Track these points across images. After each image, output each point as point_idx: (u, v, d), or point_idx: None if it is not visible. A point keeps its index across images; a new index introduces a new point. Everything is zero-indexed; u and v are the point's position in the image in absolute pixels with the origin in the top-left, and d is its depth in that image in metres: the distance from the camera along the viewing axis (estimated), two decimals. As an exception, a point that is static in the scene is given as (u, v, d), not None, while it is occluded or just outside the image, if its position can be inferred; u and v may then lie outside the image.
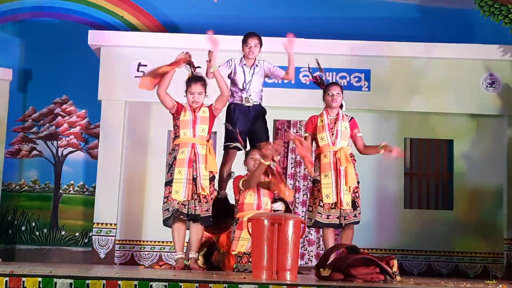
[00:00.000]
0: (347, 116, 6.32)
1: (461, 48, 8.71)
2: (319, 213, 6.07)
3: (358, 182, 6.20)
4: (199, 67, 6.34)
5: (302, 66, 8.72)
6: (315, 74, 6.53)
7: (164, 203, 6.06)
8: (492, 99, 8.72)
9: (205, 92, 6.21)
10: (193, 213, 5.98)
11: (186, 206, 5.97)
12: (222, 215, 6.22)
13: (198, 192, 5.99)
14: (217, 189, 6.42)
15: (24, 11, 9.46)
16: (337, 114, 6.26)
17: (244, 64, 6.58)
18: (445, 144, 9.16)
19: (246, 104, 6.54)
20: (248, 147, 6.46)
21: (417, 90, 8.72)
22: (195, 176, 6.00)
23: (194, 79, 6.22)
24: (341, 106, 6.32)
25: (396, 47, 8.72)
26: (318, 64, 6.55)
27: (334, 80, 8.55)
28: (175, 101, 6.16)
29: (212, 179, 6.14)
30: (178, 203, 5.97)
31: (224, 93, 6.23)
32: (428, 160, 9.17)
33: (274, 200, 6.24)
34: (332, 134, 6.18)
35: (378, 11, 9.43)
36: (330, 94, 6.24)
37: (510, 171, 8.66)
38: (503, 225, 8.63)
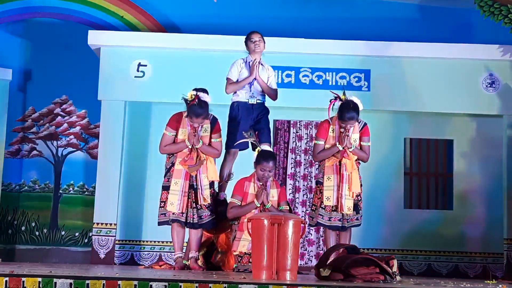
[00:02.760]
0: (359, 123, 6.23)
1: (461, 48, 8.70)
2: (321, 215, 6.08)
3: (361, 185, 6.20)
4: (205, 90, 6.16)
5: (302, 66, 8.75)
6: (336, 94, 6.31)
7: (160, 207, 6.07)
8: (492, 99, 8.71)
9: (208, 118, 6.09)
10: (191, 221, 5.98)
11: (184, 215, 5.98)
12: (221, 216, 6.23)
13: (200, 203, 5.98)
14: (216, 188, 6.42)
15: (24, 11, 9.45)
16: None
17: (250, 61, 6.57)
18: (445, 144, 9.16)
19: (250, 102, 6.53)
20: (259, 147, 6.27)
21: (417, 90, 8.71)
22: (195, 187, 5.99)
23: (195, 113, 5.96)
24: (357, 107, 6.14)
25: (396, 47, 8.71)
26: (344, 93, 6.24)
27: (334, 81, 8.58)
28: (173, 132, 6.09)
29: (211, 184, 6.14)
30: (174, 214, 5.97)
31: (215, 157, 6.24)
32: (428, 160, 9.17)
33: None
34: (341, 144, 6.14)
35: (378, 11, 9.42)
36: (344, 126, 6.07)
37: (510, 171, 8.64)
38: (503, 225, 8.62)
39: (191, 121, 6.00)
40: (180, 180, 5.95)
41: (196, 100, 5.92)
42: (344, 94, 6.18)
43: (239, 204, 6.06)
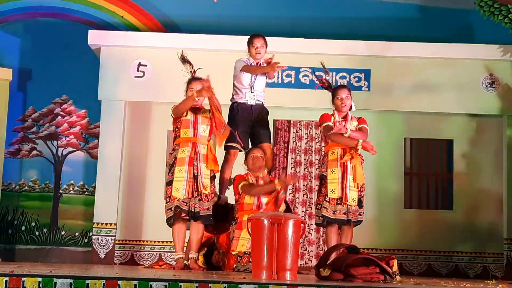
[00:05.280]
0: (355, 117, 6.31)
1: (461, 48, 8.71)
2: (325, 207, 6.07)
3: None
4: (200, 68, 6.34)
5: (302, 66, 8.76)
6: (321, 78, 6.50)
7: (166, 202, 6.08)
8: (492, 99, 8.72)
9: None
10: (193, 210, 5.98)
11: (187, 204, 5.98)
12: (222, 219, 6.23)
13: (199, 190, 6.00)
14: (217, 190, 6.42)
15: (24, 11, 9.46)
16: (346, 115, 6.23)
17: (252, 62, 6.57)
18: (445, 144, 9.16)
19: (249, 103, 6.54)
20: (249, 147, 6.48)
21: (417, 90, 8.72)
22: (196, 174, 6.01)
23: (195, 78, 6.25)
24: (350, 108, 6.31)
25: (396, 47, 8.72)
26: (323, 66, 6.54)
27: (334, 81, 8.56)
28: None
29: (212, 178, 6.15)
30: (178, 200, 5.98)
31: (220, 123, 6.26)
32: (428, 160, 9.17)
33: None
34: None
35: (378, 11, 9.42)
36: (339, 98, 6.19)
37: (510, 171, 8.66)
38: (503, 225, 8.63)
39: (192, 89, 6.14)
40: (184, 167, 5.98)
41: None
42: (326, 72, 6.52)
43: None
